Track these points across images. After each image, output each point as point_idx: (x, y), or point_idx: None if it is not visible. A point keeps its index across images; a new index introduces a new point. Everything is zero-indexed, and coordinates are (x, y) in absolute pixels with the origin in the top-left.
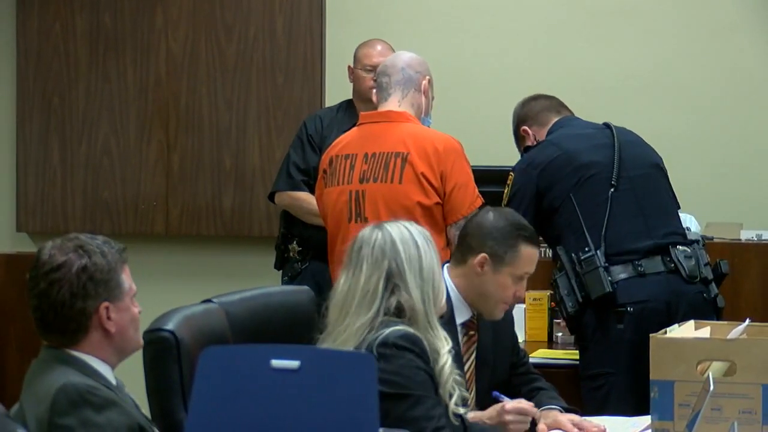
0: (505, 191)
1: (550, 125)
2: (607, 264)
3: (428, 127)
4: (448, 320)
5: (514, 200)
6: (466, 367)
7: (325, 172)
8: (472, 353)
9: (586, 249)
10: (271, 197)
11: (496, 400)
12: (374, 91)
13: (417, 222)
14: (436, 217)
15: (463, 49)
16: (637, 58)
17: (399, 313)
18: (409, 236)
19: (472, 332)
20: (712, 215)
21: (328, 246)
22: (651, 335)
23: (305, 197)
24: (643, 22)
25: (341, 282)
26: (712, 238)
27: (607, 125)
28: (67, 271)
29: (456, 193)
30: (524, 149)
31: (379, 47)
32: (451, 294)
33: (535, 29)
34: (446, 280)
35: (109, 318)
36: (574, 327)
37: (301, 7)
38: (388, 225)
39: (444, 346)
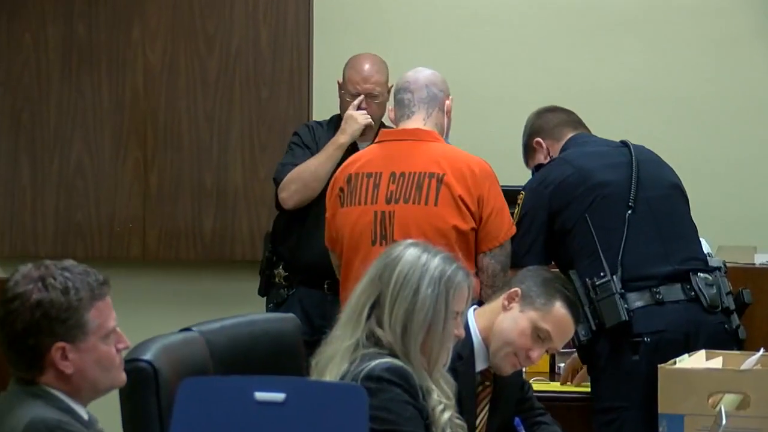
0: (516, 211)
1: (565, 141)
2: (623, 290)
3: None
4: (467, 366)
5: (525, 221)
6: (478, 421)
7: (342, 190)
8: (486, 405)
9: (602, 274)
10: (277, 204)
11: (516, 430)
12: (389, 107)
13: (451, 247)
14: (470, 243)
15: (460, 62)
16: (643, 72)
17: (377, 342)
18: (417, 275)
19: (487, 383)
20: (724, 238)
21: (343, 269)
22: (659, 366)
23: (303, 166)
24: (649, 35)
25: (359, 283)
26: (724, 263)
27: (624, 143)
28: (21, 304)
29: (494, 218)
30: (536, 167)
31: (366, 67)
32: (474, 340)
33: (536, 42)
34: (471, 324)
35: (65, 358)
36: (585, 357)
37: (287, 17)
38: (416, 249)
39: (440, 398)
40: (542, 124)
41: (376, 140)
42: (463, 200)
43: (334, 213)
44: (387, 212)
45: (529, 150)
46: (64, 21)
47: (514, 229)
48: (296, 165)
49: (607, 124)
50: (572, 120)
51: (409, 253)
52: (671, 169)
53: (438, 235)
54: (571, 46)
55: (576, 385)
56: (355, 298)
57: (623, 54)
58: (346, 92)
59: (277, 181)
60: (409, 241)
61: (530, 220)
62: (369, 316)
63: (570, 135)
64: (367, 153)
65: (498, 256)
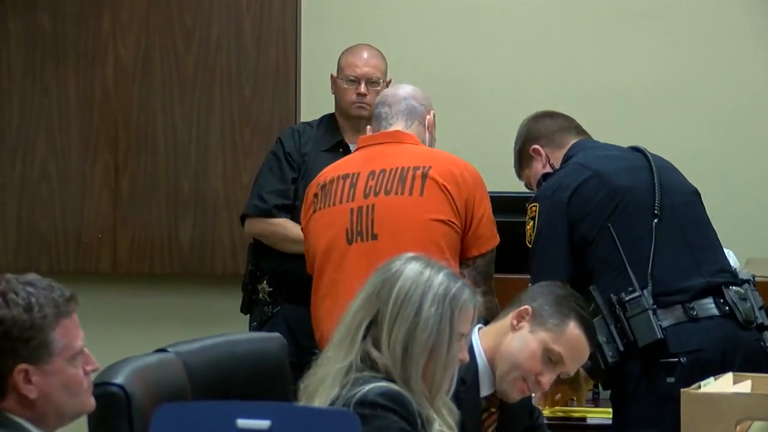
0: (528, 226)
1: (568, 148)
2: (655, 306)
3: None
4: (471, 391)
5: (544, 233)
6: None
7: (316, 196)
8: None
9: (630, 289)
10: (242, 220)
11: None
12: (368, 127)
13: (437, 243)
14: (457, 239)
15: (460, 57)
16: (661, 69)
17: (372, 366)
18: (420, 292)
19: (493, 409)
20: (752, 250)
21: (314, 279)
22: (682, 390)
23: (281, 222)
24: (668, 28)
25: (354, 300)
26: (753, 276)
27: (636, 148)
28: None
29: (485, 220)
30: (543, 176)
31: (365, 54)
32: (479, 363)
33: (543, 35)
34: (475, 345)
35: (28, 382)
36: (610, 380)
37: (272, 7)
38: (418, 263)
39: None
40: (540, 129)
41: (355, 148)
42: (449, 193)
43: (306, 222)
44: (365, 206)
45: (524, 158)
46: (27, 12)
47: (498, 239)
48: (269, 193)
49: (620, 126)
50: (573, 126)
51: (410, 267)
52: (684, 176)
53: (423, 230)
54: (578, 41)
55: (543, 406)
56: (349, 316)
57: (641, 48)
58: (344, 79)
59: (245, 216)
60: (410, 254)
61: (550, 231)
62: (365, 337)
63: (573, 141)
64: (344, 160)
65: (480, 266)
